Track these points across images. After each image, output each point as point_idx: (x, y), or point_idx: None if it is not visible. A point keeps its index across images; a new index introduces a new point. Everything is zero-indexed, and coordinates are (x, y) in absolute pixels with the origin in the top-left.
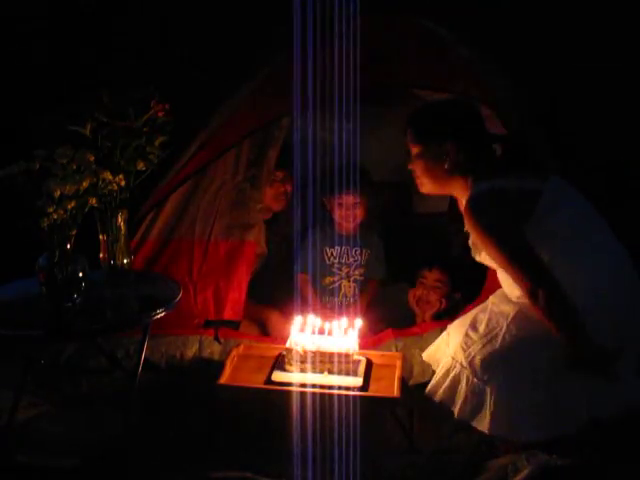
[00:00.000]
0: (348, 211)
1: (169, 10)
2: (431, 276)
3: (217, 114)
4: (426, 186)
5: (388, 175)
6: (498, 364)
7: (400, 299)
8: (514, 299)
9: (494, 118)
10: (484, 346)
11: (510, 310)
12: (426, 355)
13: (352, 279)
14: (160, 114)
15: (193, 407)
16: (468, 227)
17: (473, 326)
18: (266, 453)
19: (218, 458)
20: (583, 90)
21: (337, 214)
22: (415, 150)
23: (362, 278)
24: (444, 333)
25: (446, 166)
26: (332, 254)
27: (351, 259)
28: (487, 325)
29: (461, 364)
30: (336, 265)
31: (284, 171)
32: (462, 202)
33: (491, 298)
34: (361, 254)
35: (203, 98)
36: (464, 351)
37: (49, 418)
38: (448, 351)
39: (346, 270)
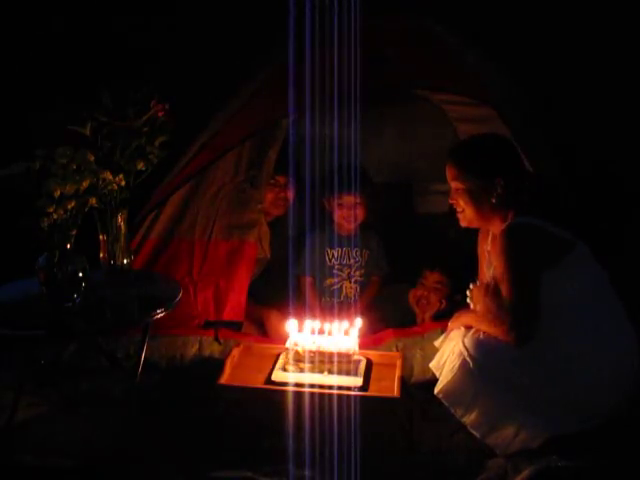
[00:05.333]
0: (349, 211)
1: (169, 10)
2: (432, 277)
3: (218, 115)
4: (469, 221)
5: (388, 175)
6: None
7: (400, 299)
8: None
9: (495, 118)
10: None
11: None
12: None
13: (353, 280)
14: (160, 114)
15: (193, 407)
16: (497, 252)
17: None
18: (266, 453)
19: (218, 458)
20: (582, 90)
21: (337, 215)
22: (459, 186)
23: (363, 279)
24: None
25: (493, 201)
26: (333, 255)
27: (352, 260)
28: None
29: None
30: (337, 266)
31: (286, 177)
32: (493, 233)
33: None
34: (361, 255)
35: (204, 98)
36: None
37: (49, 418)
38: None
39: (347, 271)
